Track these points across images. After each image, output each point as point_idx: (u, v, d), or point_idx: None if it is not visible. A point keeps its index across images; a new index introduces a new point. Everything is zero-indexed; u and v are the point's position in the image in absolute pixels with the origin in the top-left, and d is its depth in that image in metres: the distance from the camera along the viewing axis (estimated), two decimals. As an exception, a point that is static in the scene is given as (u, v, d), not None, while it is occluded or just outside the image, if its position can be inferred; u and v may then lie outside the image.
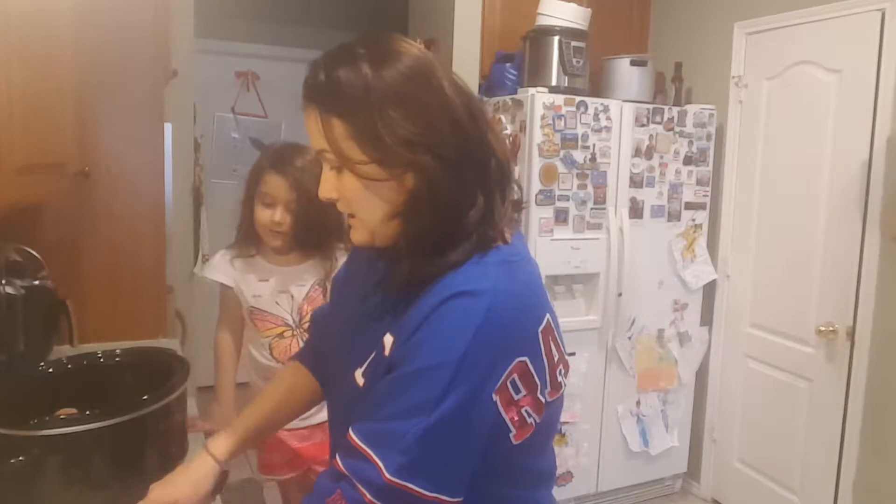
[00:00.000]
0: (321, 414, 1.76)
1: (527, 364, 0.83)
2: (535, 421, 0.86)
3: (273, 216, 1.72)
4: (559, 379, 0.90)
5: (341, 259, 1.77)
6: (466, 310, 0.80)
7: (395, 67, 0.83)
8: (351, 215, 0.91)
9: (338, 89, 0.83)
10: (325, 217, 1.62)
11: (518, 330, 0.84)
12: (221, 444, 1.10)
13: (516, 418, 0.83)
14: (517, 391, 0.82)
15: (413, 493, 0.78)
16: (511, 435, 0.84)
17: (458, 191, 0.85)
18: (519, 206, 0.96)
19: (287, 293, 1.79)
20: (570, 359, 0.96)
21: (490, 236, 0.87)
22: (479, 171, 0.87)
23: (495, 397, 0.81)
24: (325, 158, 0.87)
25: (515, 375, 0.82)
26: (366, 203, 0.87)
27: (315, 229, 1.72)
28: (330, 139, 0.84)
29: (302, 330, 1.79)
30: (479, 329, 0.79)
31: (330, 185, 0.89)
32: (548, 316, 0.88)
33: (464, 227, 0.85)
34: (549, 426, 0.92)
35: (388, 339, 0.87)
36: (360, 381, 0.91)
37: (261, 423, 1.15)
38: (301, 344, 1.78)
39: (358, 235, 0.92)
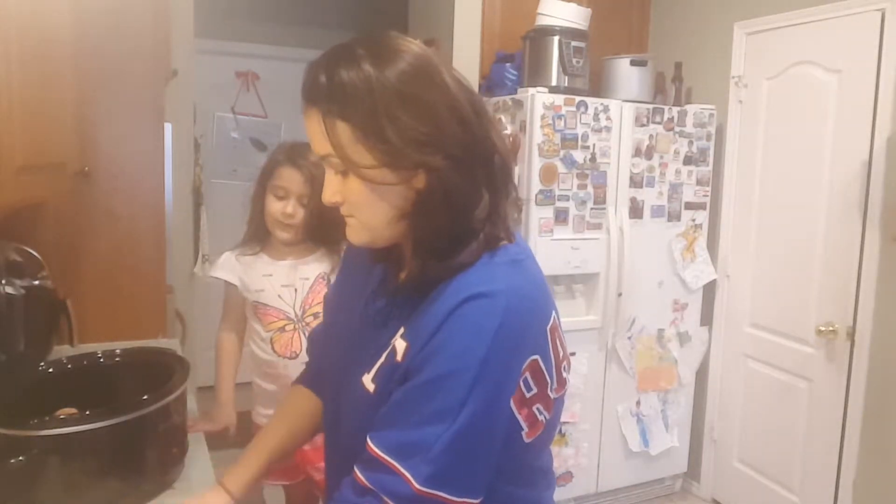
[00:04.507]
0: None
1: (538, 362, 0.83)
2: (545, 418, 0.86)
3: (285, 208, 1.74)
4: (564, 375, 0.90)
5: None
6: (484, 312, 0.79)
7: (397, 66, 0.80)
8: (350, 216, 0.89)
9: (341, 91, 0.80)
10: (336, 212, 1.63)
11: (532, 329, 0.83)
12: (237, 480, 1.08)
13: (527, 417, 0.83)
14: (529, 389, 0.82)
15: (442, 500, 0.78)
16: (523, 433, 0.84)
17: (468, 189, 0.84)
18: (518, 204, 0.95)
19: (290, 287, 1.80)
20: (569, 355, 0.95)
21: (496, 235, 0.87)
22: (485, 168, 0.86)
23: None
24: (330, 163, 0.85)
25: (528, 374, 0.82)
26: (372, 207, 0.85)
27: (326, 224, 1.73)
28: (335, 144, 0.81)
29: (304, 323, 1.80)
30: (497, 331, 0.78)
31: (334, 190, 0.86)
32: (553, 313, 0.89)
33: (471, 226, 0.85)
34: (554, 423, 0.92)
35: (401, 345, 0.85)
36: (371, 386, 0.89)
37: (273, 454, 1.13)
38: (303, 337, 1.80)
39: (357, 236, 0.90)
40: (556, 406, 0.89)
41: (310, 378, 1.18)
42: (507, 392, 0.80)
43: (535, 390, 0.83)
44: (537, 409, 0.84)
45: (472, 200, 0.84)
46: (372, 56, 0.81)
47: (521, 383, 0.81)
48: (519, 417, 0.82)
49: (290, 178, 1.72)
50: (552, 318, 0.87)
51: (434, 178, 0.82)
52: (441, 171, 0.81)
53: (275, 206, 1.75)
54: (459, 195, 0.83)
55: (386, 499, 0.79)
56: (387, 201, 0.84)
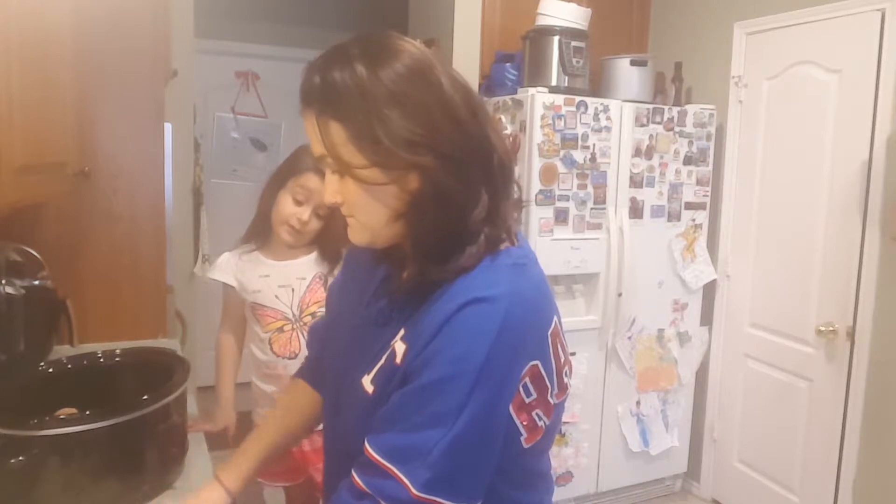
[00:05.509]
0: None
1: (538, 367, 0.82)
2: (544, 424, 0.85)
3: (301, 214, 1.73)
4: (565, 380, 0.89)
5: None
6: (484, 316, 0.79)
7: (391, 67, 0.80)
8: (349, 215, 0.89)
9: (333, 92, 0.80)
10: (344, 227, 1.64)
11: (532, 334, 0.83)
12: (232, 474, 1.07)
13: (527, 422, 0.83)
14: (528, 395, 0.82)
15: None
16: (522, 438, 0.83)
17: (463, 190, 0.83)
18: (519, 204, 0.94)
19: (288, 287, 1.80)
20: (570, 359, 0.95)
21: (497, 237, 0.86)
22: (482, 168, 0.85)
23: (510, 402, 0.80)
24: (326, 163, 0.85)
25: (528, 379, 0.81)
26: (368, 207, 0.85)
27: (331, 236, 1.74)
28: (328, 144, 0.82)
29: (302, 323, 1.80)
30: (497, 335, 0.78)
31: (334, 190, 0.87)
32: (555, 318, 0.88)
33: (469, 228, 0.84)
34: (554, 429, 0.92)
35: (401, 347, 0.84)
36: (370, 388, 0.88)
37: (270, 449, 1.13)
38: (301, 337, 1.79)
39: (357, 236, 0.90)
40: (556, 411, 0.88)
41: (308, 371, 1.18)
42: (506, 397, 0.80)
43: (534, 396, 0.82)
44: (537, 414, 0.84)
45: (469, 201, 0.84)
46: (366, 56, 0.81)
47: (521, 389, 0.81)
48: (518, 423, 0.82)
49: (316, 185, 1.71)
50: (553, 323, 0.87)
51: (426, 178, 0.82)
52: (433, 172, 0.81)
53: (290, 209, 1.74)
54: (454, 196, 0.82)
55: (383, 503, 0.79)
56: (381, 202, 0.84)
